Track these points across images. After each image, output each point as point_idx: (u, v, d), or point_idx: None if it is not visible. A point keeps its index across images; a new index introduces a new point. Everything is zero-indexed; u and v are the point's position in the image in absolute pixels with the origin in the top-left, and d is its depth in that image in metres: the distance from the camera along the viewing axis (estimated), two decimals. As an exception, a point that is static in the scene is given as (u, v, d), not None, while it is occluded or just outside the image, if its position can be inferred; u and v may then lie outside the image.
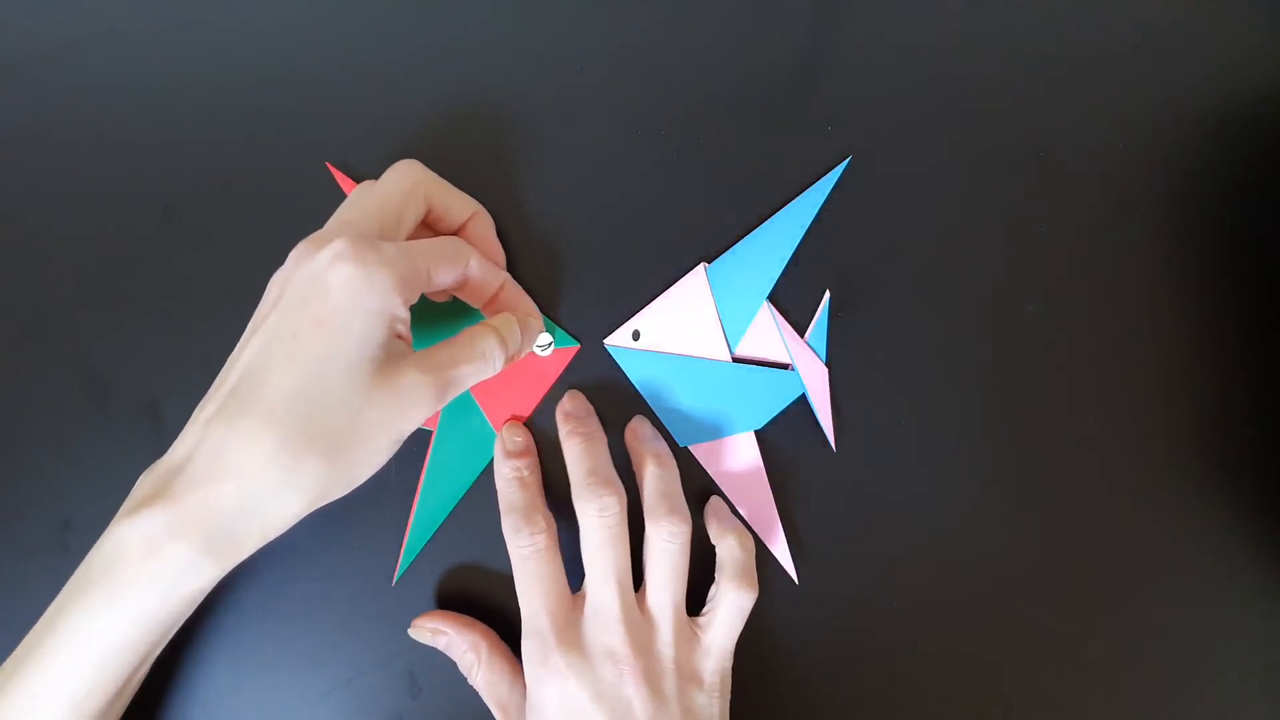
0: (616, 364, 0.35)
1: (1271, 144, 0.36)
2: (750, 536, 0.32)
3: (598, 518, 0.30)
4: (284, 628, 0.34)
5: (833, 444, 0.34)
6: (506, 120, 0.35)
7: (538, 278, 0.34)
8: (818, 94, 0.35)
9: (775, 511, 0.34)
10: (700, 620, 0.31)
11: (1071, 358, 0.35)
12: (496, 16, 0.35)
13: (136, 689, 0.29)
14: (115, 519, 0.26)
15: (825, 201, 0.35)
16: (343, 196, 0.34)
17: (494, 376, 0.34)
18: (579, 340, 0.35)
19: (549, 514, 0.32)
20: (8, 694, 0.25)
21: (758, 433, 0.34)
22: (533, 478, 0.33)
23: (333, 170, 0.34)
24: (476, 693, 0.32)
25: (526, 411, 0.34)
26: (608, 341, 0.35)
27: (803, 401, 0.34)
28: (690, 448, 0.35)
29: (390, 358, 0.26)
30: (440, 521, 0.34)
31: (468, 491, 0.34)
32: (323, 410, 0.25)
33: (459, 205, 0.32)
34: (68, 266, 0.35)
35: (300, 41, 0.35)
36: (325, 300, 0.25)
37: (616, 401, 0.35)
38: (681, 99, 0.35)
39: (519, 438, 0.34)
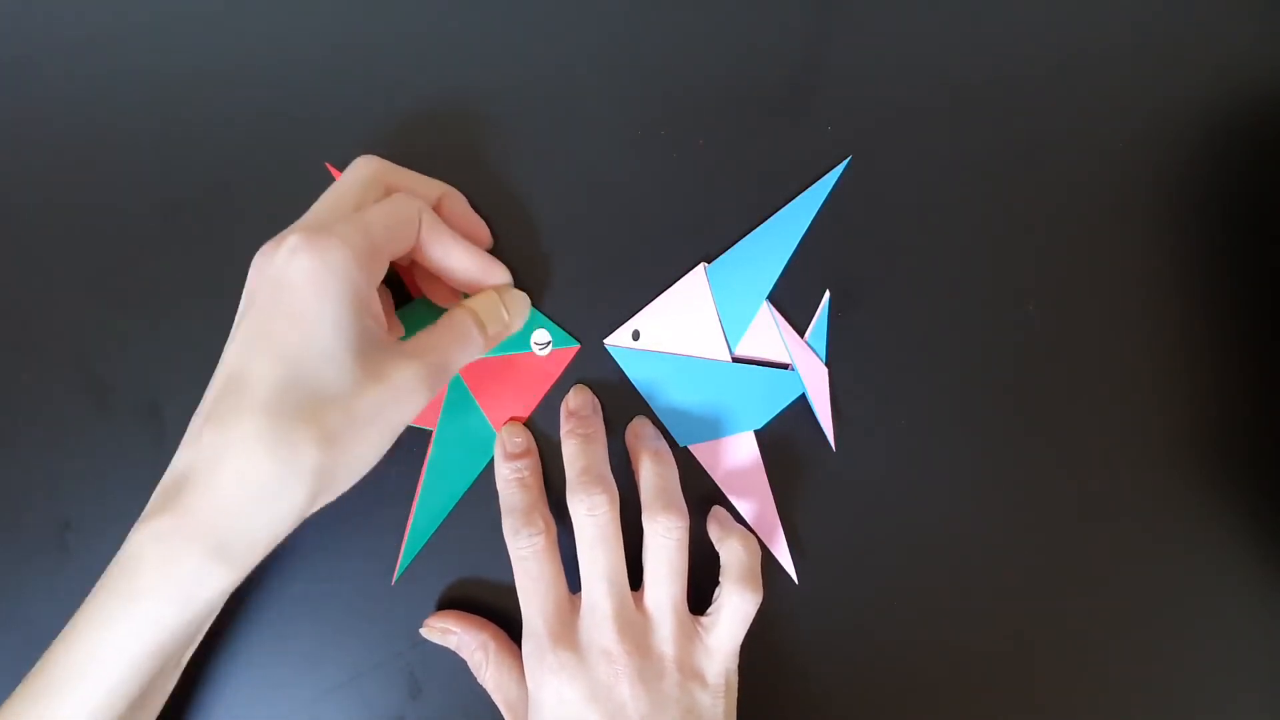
0: (616, 364, 0.35)
1: (1271, 144, 0.36)
2: (754, 539, 0.32)
3: (588, 516, 0.30)
4: (284, 628, 0.34)
5: (833, 444, 0.34)
6: (507, 120, 0.35)
7: (538, 278, 0.34)
8: (818, 94, 0.35)
9: (775, 511, 0.34)
10: (704, 620, 0.31)
11: (1071, 358, 0.35)
12: (497, 16, 0.35)
13: (159, 709, 0.29)
14: (132, 530, 0.26)
15: (825, 201, 0.35)
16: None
17: (494, 376, 0.34)
18: (579, 340, 0.35)
19: (549, 515, 0.32)
20: (23, 704, 0.25)
21: (758, 433, 0.35)
22: (533, 479, 0.33)
23: (333, 170, 0.34)
24: (477, 693, 0.32)
25: (526, 411, 0.34)
26: (608, 341, 0.35)
27: (803, 401, 0.34)
28: (690, 448, 0.35)
29: (371, 345, 0.26)
30: (440, 521, 0.34)
31: (468, 491, 0.34)
32: (312, 400, 0.25)
33: (424, 188, 0.31)
34: (68, 266, 0.35)
35: (300, 41, 0.35)
36: (292, 295, 0.25)
37: (616, 401, 0.35)
38: (681, 99, 0.35)
39: (519, 439, 0.34)
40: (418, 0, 0.35)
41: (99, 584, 0.26)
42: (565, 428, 0.33)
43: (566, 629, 0.30)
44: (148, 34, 0.35)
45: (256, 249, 0.34)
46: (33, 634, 0.33)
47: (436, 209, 0.32)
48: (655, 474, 0.32)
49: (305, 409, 0.25)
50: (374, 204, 0.29)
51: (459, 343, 0.29)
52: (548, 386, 0.34)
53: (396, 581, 0.34)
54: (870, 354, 0.35)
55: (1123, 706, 0.35)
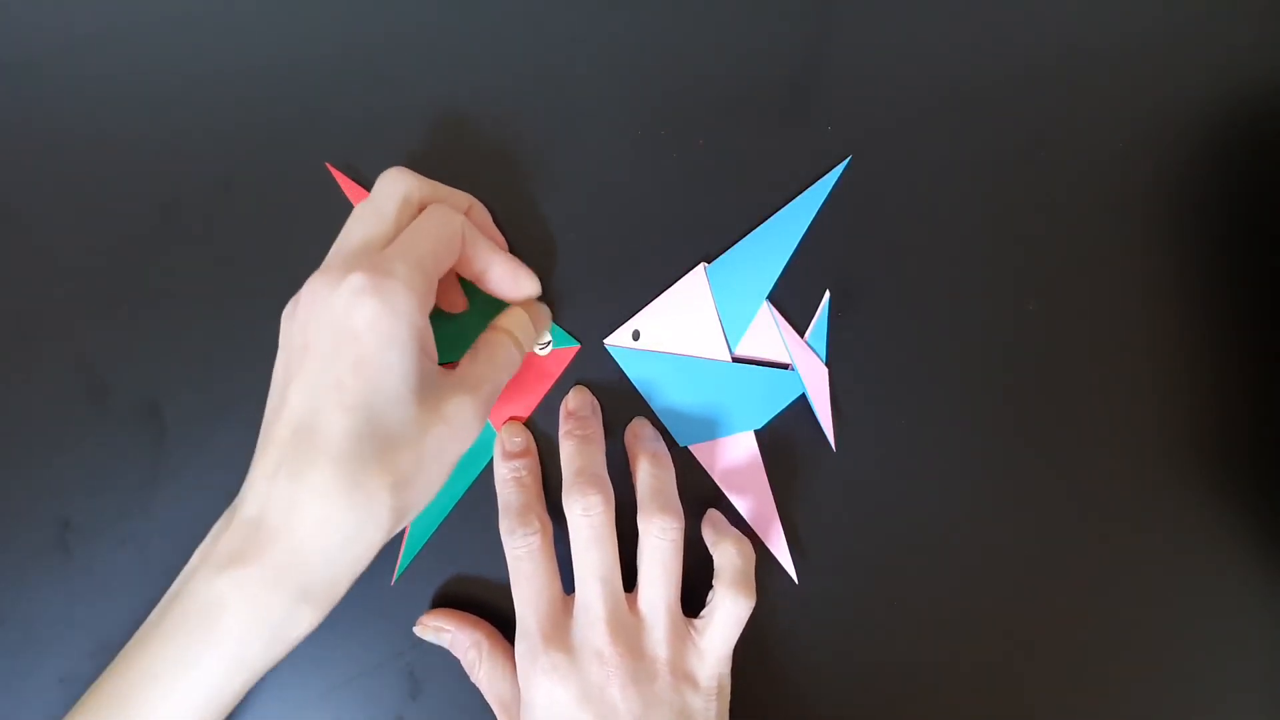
0: (616, 364, 0.35)
1: (1271, 144, 0.36)
2: (749, 543, 0.32)
3: (582, 516, 0.30)
4: (284, 628, 0.34)
5: (833, 444, 0.34)
6: (507, 120, 0.35)
7: (539, 278, 0.34)
8: (818, 94, 0.35)
9: (775, 511, 0.34)
10: (696, 623, 0.31)
11: (1071, 357, 0.35)
12: (497, 16, 0.35)
13: None
14: (201, 571, 0.26)
15: (825, 201, 0.35)
16: (343, 196, 0.34)
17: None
18: (579, 340, 0.35)
19: (545, 515, 0.32)
20: None
21: (758, 433, 0.35)
22: (531, 478, 0.33)
23: (332, 170, 0.34)
24: (476, 693, 0.32)
25: (526, 412, 0.34)
26: (608, 341, 0.35)
27: (803, 401, 0.34)
28: (690, 448, 0.35)
29: (430, 382, 0.27)
30: (440, 521, 0.34)
31: (467, 492, 0.34)
32: (382, 446, 0.26)
33: (453, 202, 0.32)
34: (68, 266, 0.35)
35: (300, 41, 0.35)
36: (359, 345, 0.25)
37: (616, 401, 0.35)
38: (682, 99, 0.35)
39: (518, 438, 0.34)
40: (418, 1, 0.35)
41: (169, 624, 0.26)
42: (564, 428, 0.33)
43: (559, 629, 0.30)
44: (148, 34, 0.35)
45: (257, 249, 0.34)
46: (32, 633, 0.33)
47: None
48: (652, 475, 0.32)
49: (377, 455, 0.26)
50: (414, 222, 0.29)
51: (505, 367, 0.30)
52: (548, 386, 0.34)
53: (396, 581, 0.34)
54: (870, 354, 0.35)
55: (1122, 706, 0.35)
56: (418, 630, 0.33)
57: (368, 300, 0.25)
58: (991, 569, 0.35)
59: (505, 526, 0.32)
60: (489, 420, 0.34)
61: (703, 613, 0.31)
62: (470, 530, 0.34)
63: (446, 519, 0.34)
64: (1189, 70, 0.36)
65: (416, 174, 0.30)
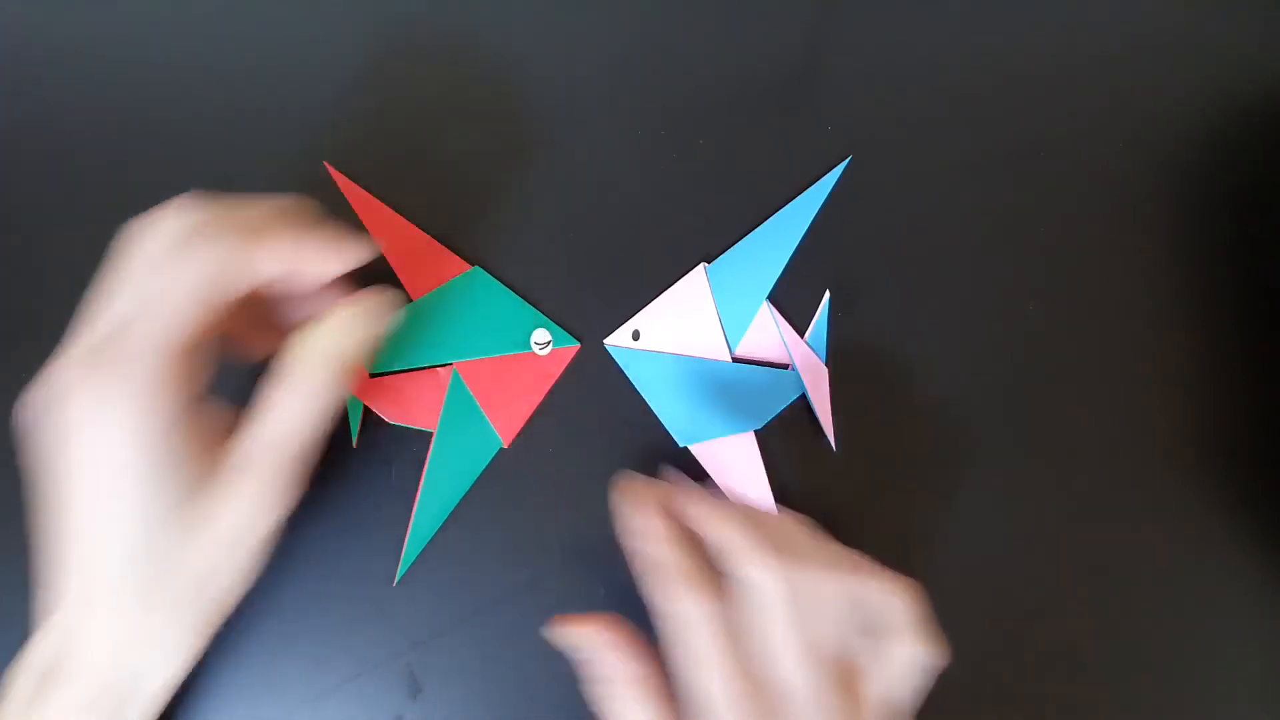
0: (616, 364, 0.35)
1: (1271, 144, 0.36)
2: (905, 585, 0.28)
3: (778, 586, 0.25)
4: (284, 628, 0.34)
5: (833, 444, 0.34)
6: (506, 120, 0.35)
7: (538, 278, 0.34)
8: (818, 94, 0.35)
9: (776, 512, 0.34)
10: (868, 678, 0.27)
11: (1072, 358, 0.35)
12: (496, 16, 0.35)
13: None
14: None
15: (825, 201, 0.35)
16: (342, 197, 0.34)
17: (494, 376, 0.34)
18: (579, 340, 0.35)
19: (714, 571, 0.27)
20: None
21: (758, 433, 0.35)
22: (679, 531, 0.28)
23: (332, 170, 0.34)
24: (477, 693, 0.32)
25: (527, 411, 0.34)
26: (608, 341, 0.35)
27: (803, 401, 0.34)
28: (690, 448, 0.35)
29: (193, 480, 0.24)
30: (441, 522, 0.34)
31: (469, 492, 0.34)
32: (163, 563, 0.25)
33: (235, 219, 0.25)
34: (68, 266, 0.34)
35: (300, 41, 0.35)
36: (89, 477, 0.24)
37: (617, 401, 0.35)
38: (681, 99, 0.35)
39: (644, 510, 0.28)
40: (418, 1, 0.35)
41: None
42: (698, 509, 0.28)
43: (762, 708, 0.25)
44: (148, 34, 0.35)
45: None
46: (33, 634, 0.33)
47: (275, 232, 0.25)
48: (737, 522, 0.27)
49: (159, 575, 0.25)
50: (153, 280, 0.24)
51: (301, 415, 0.25)
52: (548, 386, 0.34)
53: (397, 582, 0.34)
54: (870, 354, 0.35)
55: (1121, 706, 0.35)
56: (560, 633, 0.28)
57: (82, 426, 0.23)
58: (991, 569, 0.35)
59: (672, 590, 0.27)
60: (489, 421, 0.34)
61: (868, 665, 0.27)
62: (473, 531, 0.34)
63: (448, 520, 0.34)
64: (1189, 70, 0.36)
65: (194, 204, 0.25)
